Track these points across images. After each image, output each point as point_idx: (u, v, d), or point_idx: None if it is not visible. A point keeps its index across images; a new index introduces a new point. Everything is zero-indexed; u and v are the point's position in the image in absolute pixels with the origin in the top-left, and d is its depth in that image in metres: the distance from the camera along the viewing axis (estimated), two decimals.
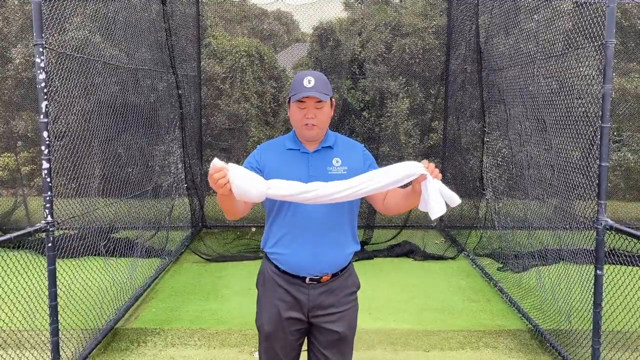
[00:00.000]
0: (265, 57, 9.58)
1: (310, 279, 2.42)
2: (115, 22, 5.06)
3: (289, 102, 2.43)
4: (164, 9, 6.07)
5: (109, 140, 4.99)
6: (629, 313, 3.58)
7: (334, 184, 2.13)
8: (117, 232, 5.76)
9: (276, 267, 2.47)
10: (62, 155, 3.97)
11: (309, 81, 2.32)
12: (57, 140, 3.85)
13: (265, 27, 14.07)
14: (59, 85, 3.71)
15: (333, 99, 2.46)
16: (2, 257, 3.45)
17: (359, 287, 2.64)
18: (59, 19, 3.70)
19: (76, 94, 4.18)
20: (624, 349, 3.56)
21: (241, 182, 2.03)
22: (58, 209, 3.70)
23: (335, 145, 2.48)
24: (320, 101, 2.34)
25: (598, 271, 3.47)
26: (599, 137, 3.43)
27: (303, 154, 2.43)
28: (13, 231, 7.16)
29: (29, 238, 4.97)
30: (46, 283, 3.54)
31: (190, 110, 7.34)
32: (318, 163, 2.40)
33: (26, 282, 3.56)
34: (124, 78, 5.23)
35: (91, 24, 5.19)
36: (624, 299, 3.51)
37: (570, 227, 4.20)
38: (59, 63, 3.76)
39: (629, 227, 3.35)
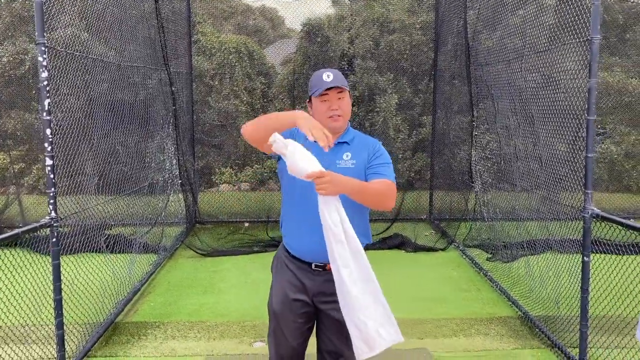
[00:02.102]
0: (254, 54, 9.65)
1: (316, 266, 2.55)
2: (109, 20, 5.10)
3: (309, 101, 2.58)
4: (156, 7, 6.11)
5: (105, 137, 5.05)
6: (614, 298, 3.73)
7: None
8: (111, 229, 5.82)
9: (287, 251, 2.61)
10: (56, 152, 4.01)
11: (327, 76, 2.49)
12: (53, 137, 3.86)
13: (250, 22, 14.08)
14: (59, 83, 3.76)
15: (349, 92, 2.60)
16: None
17: None
18: (51, 17, 3.73)
19: (69, 91, 4.23)
20: (609, 333, 3.72)
21: (298, 161, 2.24)
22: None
23: (352, 142, 2.61)
24: (342, 91, 2.50)
25: (585, 258, 3.62)
26: (584, 129, 3.57)
27: (320, 148, 2.54)
28: (6, 229, 7.15)
29: (25, 236, 5.01)
30: (43, 279, 3.61)
31: (182, 106, 7.40)
32: (331, 157, 2.51)
33: (29, 279, 3.63)
34: (119, 76, 5.28)
35: (79, 22, 5.22)
36: (609, 284, 3.67)
37: (558, 218, 4.35)
38: (53, 61, 3.78)
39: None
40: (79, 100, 4.45)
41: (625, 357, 3.58)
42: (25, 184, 9.10)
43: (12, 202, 7.96)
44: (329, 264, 2.54)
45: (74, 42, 4.66)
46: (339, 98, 2.51)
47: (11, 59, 9.03)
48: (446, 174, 7.83)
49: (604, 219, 3.47)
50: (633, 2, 9.34)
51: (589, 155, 3.55)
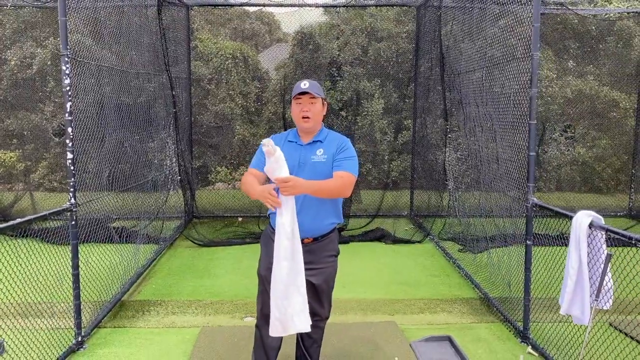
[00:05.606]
0: (249, 59, 10.24)
1: None
2: (117, 29, 5.69)
3: (290, 103, 3.17)
4: (159, 17, 6.71)
5: (113, 136, 5.63)
6: (554, 282, 4.28)
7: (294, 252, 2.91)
8: (117, 221, 6.39)
9: (272, 228, 3.20)
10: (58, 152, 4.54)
11: (304, 84, 3.12)
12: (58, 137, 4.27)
13: (247, 26, 14.60)
14: (77, 87, 4.34)
15: (325, 101, 3.22)
16: (4, 245, 3.81)
17: (338, 253, 3.35)
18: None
19: (84, 95, 4.79)
20: (549, 309, 4.32)
21: (276, 166, 2.81)
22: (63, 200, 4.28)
23: (325, 140, 3.23)
24: (313, 97, 3.11)
25: (528, 241, 4.23)
26: (527, 132, 4.17)
27: (298, 146, 3.19)
28: None
29: (32, 227, 5.50)
30: (57, 264, 4.17)
31: (181, 109, 7.99)
32: (306, 153, 3.15)
33: (46, 263, 4.19)
34: (125, 81, 5.86)
35: (84, 29, 5.78)
36: (550, 270, 4.27)
37: (511, 215, 4.92)
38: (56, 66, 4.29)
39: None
40: (84, 102, 5.02)
41: (562, 328, 4.18)
42: (31, 181, 9.67)
43: (22, 196, 8.52)
44: (305, 238, 3.14)
45: (79, 48, 5.22)
46: (311, 103, 3.13)
47: (19, 62, 9.60)
48: (426, 174, 8.44)
49: (541, 207, 4.08)
50: (605, 16, 9.94)
51: (531, 153, 4.15)
